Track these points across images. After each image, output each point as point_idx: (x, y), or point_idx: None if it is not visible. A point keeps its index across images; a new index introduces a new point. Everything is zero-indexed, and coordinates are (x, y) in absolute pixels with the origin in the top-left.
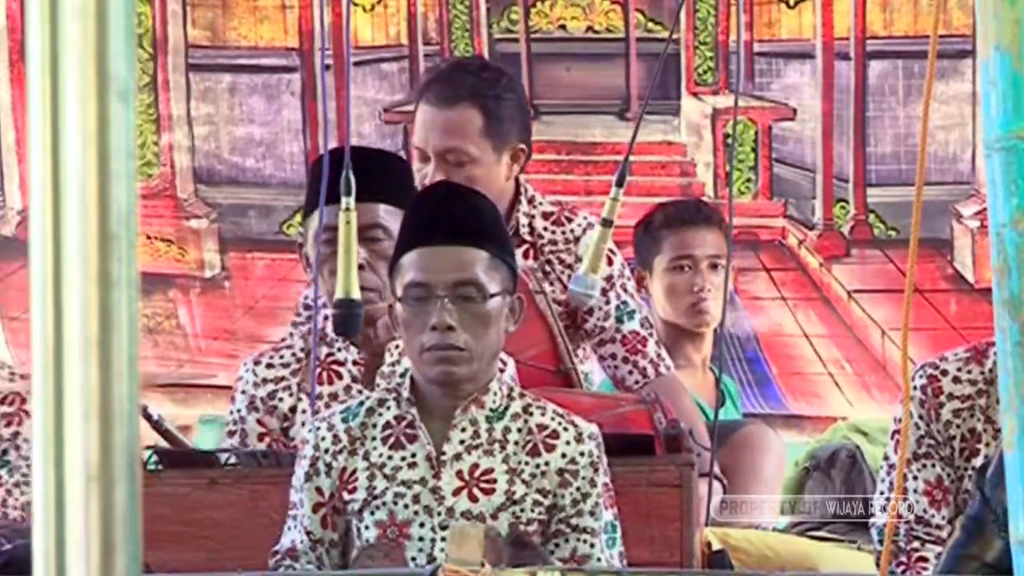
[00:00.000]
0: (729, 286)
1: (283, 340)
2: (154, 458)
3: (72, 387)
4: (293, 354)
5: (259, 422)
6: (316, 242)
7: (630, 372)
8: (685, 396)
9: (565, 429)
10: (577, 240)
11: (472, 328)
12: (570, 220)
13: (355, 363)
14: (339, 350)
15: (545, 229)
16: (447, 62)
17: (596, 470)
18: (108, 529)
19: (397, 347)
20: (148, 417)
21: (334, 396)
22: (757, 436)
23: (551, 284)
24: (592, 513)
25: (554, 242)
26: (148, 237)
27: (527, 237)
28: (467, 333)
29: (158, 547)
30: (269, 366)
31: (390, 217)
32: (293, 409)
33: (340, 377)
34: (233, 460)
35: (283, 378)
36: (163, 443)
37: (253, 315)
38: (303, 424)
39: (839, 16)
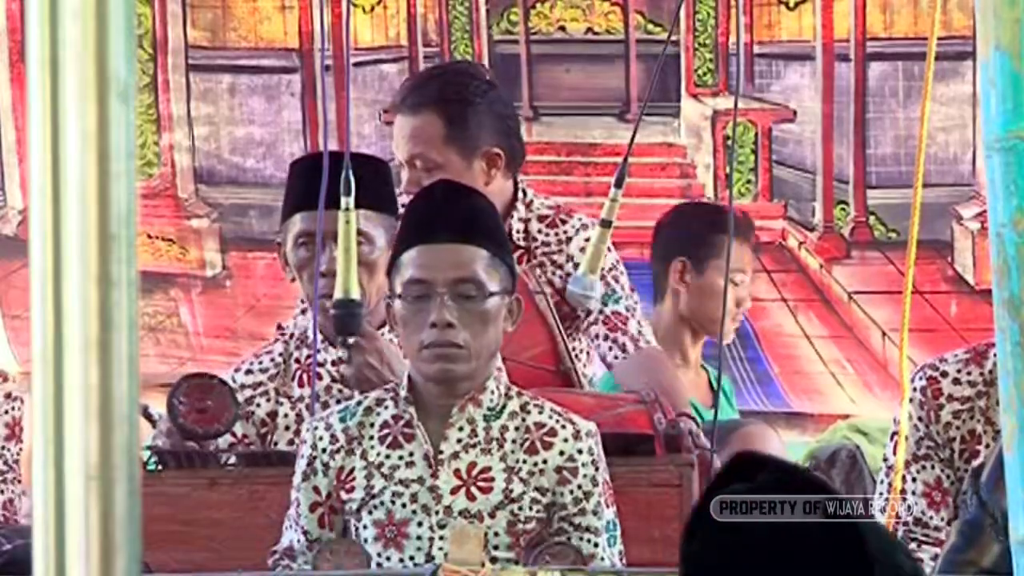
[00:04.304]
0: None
1: (265, 347)
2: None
3: (72, 387)
4: (272, 359)
5: (231, 432)
6: (294, 246)
7: (610, 348)
8: (668, 369)
9: (563, 427)
10: (569, 240)
11: (471, 326)
12: (564, 222)
13: (334, 364)
14: (318, 352)
15: (539, 232)
16: (424, 70)
17: (596, 468)
18: (108, 529)
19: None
20: (148, 417)
21: (315, 398)
22: (756, 435)
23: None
24: (595, 512)
25: (547, 243)
26: (149, 236)
27: (520, 242)
28: (466, 331)
29: (158, 547)
30: (248, 372)
31: (369, 223)
32: (273, 414)
33: (320, 378)
34: (233, 460)
35: (261, 383)
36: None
37: (254, 314)
38: (286, 428)
39: (839, 17)
